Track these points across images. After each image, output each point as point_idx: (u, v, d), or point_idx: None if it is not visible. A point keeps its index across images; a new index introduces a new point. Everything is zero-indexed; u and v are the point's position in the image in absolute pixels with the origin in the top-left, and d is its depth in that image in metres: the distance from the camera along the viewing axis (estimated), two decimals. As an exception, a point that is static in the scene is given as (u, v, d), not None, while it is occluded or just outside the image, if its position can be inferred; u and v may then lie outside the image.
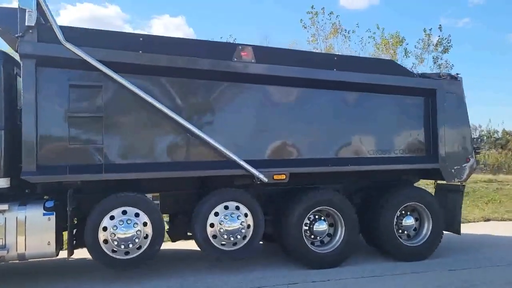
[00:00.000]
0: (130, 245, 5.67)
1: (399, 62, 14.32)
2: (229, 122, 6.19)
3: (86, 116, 5.58)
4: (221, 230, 6.06)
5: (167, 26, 59.37)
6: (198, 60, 5.96)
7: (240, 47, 6.17)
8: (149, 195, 6.25)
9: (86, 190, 5.90)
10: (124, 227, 5.65)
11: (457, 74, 7.24)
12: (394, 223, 6.88)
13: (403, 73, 7.03)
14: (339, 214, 6.57)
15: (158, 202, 6.33)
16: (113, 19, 57.09)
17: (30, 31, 5.31)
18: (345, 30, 20.90)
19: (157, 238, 5.85)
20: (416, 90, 7.06)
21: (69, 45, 5.40)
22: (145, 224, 5.76)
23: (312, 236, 6.59)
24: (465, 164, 7.18)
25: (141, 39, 5.82)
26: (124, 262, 5.70)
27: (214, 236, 6.09)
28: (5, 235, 5.38)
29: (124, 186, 5.86)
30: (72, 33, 5.56)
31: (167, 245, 7.20)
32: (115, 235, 5.61)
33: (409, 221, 7.06)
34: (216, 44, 6.90)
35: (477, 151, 7.36)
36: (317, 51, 19.30)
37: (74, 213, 5.71)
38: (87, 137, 5.60)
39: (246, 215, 6.24)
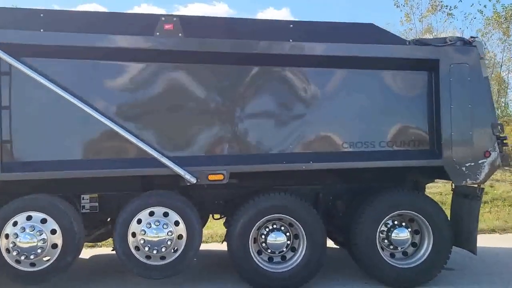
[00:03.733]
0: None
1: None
2: (150, 111, 5.19)
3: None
4: (144, 241, 5.11)
5: (273, 16, 59.77)
6: (107, 37, 5.03)
7: (163, 18, 5.10)
8: (87, 196, 5.56)
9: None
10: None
11: (473, 37, 5.46)
12: (377, 237, 5.39)
13: (389, 41, 5.44)
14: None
15: (97, 204, 5.61)
16: (221, 15, 58.87)
17: None
18: (446, 6, 18.58)
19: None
20: (409, 62, 5.44)
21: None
22: (176, 223, 5.17)
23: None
24: (482, 160, 5.41)
25: (41, 15, 5.03)
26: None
27: (137, 248, 5.16)
28: None
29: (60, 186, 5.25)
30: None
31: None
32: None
33: (403, 234, 5.50)
34: (135, 16, 5.87)
35: (504, 141, 5.51)
36: (412, 31, 17.49)
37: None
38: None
39: (177, 223, 5.22)
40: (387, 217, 5.42)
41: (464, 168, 5.38)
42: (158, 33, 5.09)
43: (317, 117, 5.38)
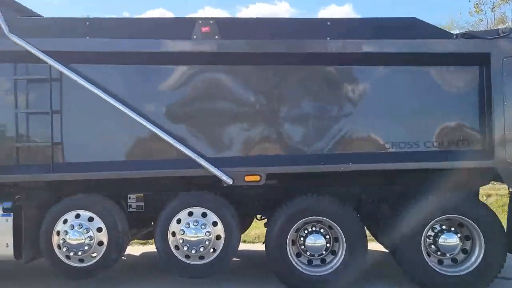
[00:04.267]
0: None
1: None
2: (189, 113, 5.29)
3: (32, 112, 5.29)
4: (183, 240, 5.22)
5: (335, 14, 59.47)
6: (148, 42, 5.19)
7: (200, 21, 5.19)
8: (133, 196, 5.80)
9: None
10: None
11: (529, 28, 5.05)
12: (423, 242, 5.15)
13: (434, 35, 5.14)
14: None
15: (142, 203, 5.83)
16: (282, 15, 59.55)
17: (-22, 27, 5.21)
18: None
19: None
20: (457, 56, 5.12)
21: (13, 37, 5.16)
22: (214, 223, 5.27)
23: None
24: (540, 161, 4.97)
25: (87, 23, 5.29)
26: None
27: (176, 247, 5.29)
28: (-37, 236, 5.42)
29: (106, 186, 5.46)
30: (20, 24, 5.30)
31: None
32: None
33: (451, 240, 5.20)
34: (172, 21, 5.97)
35: None
36: (483, 22, 16.40)
37: (31, 215, 5.49)
38: (34, 134, 5.32)
39: (215, 223, 5.29)
40: (434, 221, 5.14)
41: (520, 170, 4.98)
42: (195, 36, 5.18)
43: (357, 116, 5.23)
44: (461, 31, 5.34)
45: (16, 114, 5.28)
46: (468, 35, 5.17)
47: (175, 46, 5.18)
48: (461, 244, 5.24)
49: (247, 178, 5.17)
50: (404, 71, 5.22)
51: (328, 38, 5.18)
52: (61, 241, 5.30)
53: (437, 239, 5.23)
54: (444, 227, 5.26)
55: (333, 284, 5.19)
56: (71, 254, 5.29)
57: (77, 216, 5.37)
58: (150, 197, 5.79)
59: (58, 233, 5.34)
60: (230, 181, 5.11)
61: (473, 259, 5.19)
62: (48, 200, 5.50)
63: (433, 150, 5.19)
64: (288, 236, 5.24)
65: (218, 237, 5.29)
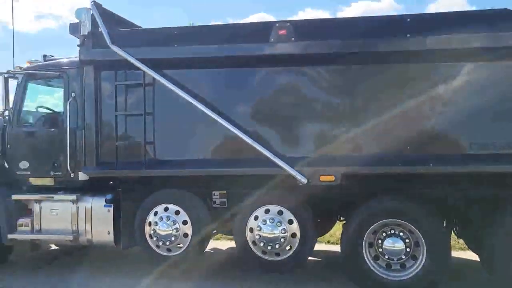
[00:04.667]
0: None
1: None
2: (268, 114, 5.49)
3: (129, 114, 5.89)
4: (259, 236, 5.44)
5: (446, 7, 56.75)
6: (230, 47, 5.49)
7: (277, 24, 5.36)
8: (217, 192, 6.18)
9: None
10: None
11: None
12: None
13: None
14: None
15: (225, 200, 6.18)
16: (387, 11, 58.31)
17: (85, 39, 5.96)
18: None
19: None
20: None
21: (114, 48, 5.80)
22: (290, 221, 5.48)
23: None
24: None
25: (175, 32, 5.76)
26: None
27: (254, 243, 5.52)
28: (77, 221, 6.22)
29: (192, 182, 5.89)
30: (119, 36, 5.94)
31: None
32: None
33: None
34: (250, 26, 6.12)
35: None
36: None
37: (128, 206, 6.10)
38: (130, 134, 5.92)
39: (290, 222, 5.41)
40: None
41: None
42: (272, 39, 5.36)
43: (440, 116, 5.00)
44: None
45: (116, 116, 5.93)
46: None
47: (254, 49, 5.40)
48: None
49: (322, 178, 5.21)
50: (492, 67, 4.85)
51: (408, 36, 5.01)
52: (152, 231, 5.84)
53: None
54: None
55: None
56: (160, 243, 5.80)
57: (166, 209, 5.87)
58: (232, 194, 6.09)
59: (149, 223, 5.89)
60: (305, 181, 5.20)
61: None
62: (141, 193, 6.08)
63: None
64: (364, 238, 5.17)
65: (293, 235, 5.41)
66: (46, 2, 65.36)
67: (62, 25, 66.10)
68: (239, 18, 68.85)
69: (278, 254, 5.46)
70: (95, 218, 6.15)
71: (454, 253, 6.56)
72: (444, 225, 5.43)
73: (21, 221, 6.39)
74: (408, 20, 5.07)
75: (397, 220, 5.11)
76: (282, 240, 5.39)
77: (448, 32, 4.91)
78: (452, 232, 5.87)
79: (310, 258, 6.72)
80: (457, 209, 5.41)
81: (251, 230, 5.53)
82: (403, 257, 5.18)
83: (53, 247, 7.91)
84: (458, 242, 6.81)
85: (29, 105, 6.82)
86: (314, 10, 60.36)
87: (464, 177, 5.08)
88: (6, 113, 6.49)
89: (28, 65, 6.83)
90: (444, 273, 5.00)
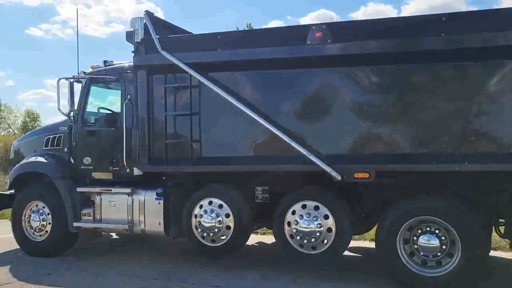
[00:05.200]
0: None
1: None
2: (305, 113, 5.75)
3: (177, 114, 6.37)
4: (296, 230, 5.71)
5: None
6: (270, 50, 5.77)
7: (313, 27, 5.58)
8: (259, 188, 6.52)
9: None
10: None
11: None
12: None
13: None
14: None
15: (267, 195, 6.52)
16: (457, 8, 56.23)
17: (139, 46, 6.52)
18: None
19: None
20: None
21: (164, 53, 6.30)
22: (326, 216, 5.68)
23: None
24: None
25: (218, 37, 6.15)
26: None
27: (291, 236, 5.80)
28: (132, 212, 6.83)
29: (236, 178, 6.27)
30: (169, 42, 6.43)
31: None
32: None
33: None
34: (287, 29, 6.31)
35: None
36: None
37: (176, 200, 6.60)
38: (178, 133, 6.40)
39: (326, 217, 5.64)
40: None
41: None
42: (309, 42, 5.59)
43: (476, 114, 5.00)
44: None
45: (165, 116, 6.43)
46: None
47: (287, 52, 5.66)
48: None
49: (357, 175, 5.37)
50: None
51: (443, 34, 5.04)
52: (197, 223, 6.30)
53: None
54: None
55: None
56: (205, 234, 6.24)
57: (210, 202, 6.30)
58: (274, 190, 6.39)
59: (195, 216, 6.35)
60: (339, 177, 5.39)
61: None
62: (188, 188, 6.55)
63: None
64: (399, 234, 5.27)
65: (329, 230, 5.63)
66: (114, 8, 69.27)
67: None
68: (299, 16, 68.93)
69: (314, 248, 5.70)
70: (148, 210, 6.72)
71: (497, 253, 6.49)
72: (485, 224, 5.38)
73: (84, 211, 7.11)
74: (443, 19, 5.10)
75: (430, 217, 5.16)
76: (318, 234, 5.62)
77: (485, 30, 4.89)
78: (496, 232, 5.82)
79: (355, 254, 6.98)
80: (497, 208, 5.36)
81: (289, 224, 5.82)
82: (439, 254, 5.21)
83: (114, 236, 8.70)
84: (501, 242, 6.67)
85: (91, 106, 7.55)
86: (376, 5, 58.97)
87: (501, 175, 5.04)
88: (72, 114, 7.21)
89: (91, 70, 7.56)
90: (480, 271, 4.98)
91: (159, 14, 71.74)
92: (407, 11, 56.80)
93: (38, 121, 50.87)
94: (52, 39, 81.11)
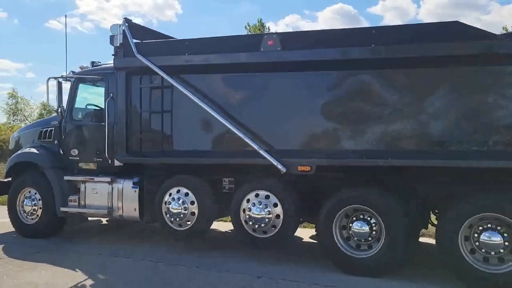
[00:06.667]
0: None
1: None
2: (258, 113, 6.49)
3: (151, 112, 7.19)
4: (249, 216, 6.49)
5: None
6: (229, 55, 6.55)
7: (265, 36, 6.33)
8: (226, 179, 7.31)
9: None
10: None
11: None
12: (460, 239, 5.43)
13: (477, 37, 5.25)
14: None
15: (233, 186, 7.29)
16: None
17: (118, 50, 7.34)
18: None
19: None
20: (501, 56, 5.15)
21: (139, 56, 7.11)
22: (275, 205, 6.40)
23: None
24: None
25: (186, 43, 6.94)
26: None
27: (246, 222, 6.58)
28: (112, 199, 7.68)
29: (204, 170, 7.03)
30: (144, 46, 7.25)
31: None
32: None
33: (496, 239, 5.30)
34: (245, 37, 7.07)
35: None
36: None
37: (150, 188, 7.44)
38: (151, 128, 7.22)
39: (275, 205, 6.40)
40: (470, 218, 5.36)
41: None
42: (262, 49, 6.34)
43: (398, 116, 5.74)
44: None
45: (140, 113, 7.26)
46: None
47: (244, 58, 6.43)
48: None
49: (300, 168, 6.13)
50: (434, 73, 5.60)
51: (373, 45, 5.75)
52: (166, 209, 7.12)
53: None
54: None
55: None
56: (172, 219, 7.06)
57: (178, 191, 7.11)
58: (238, 181, 7.14)
59: (165, 203, 7.17)
60: (284, 169, 6.15)
61: None
62: (160, 178, 7.38)
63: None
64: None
65: (277, 216, 6.40)
66: (132, 1, 70.52)
67: (148, 23, 70.84)
68: (316, 11, 69.19)
69: (265, 232, 6.47)
70: (125, 197, 7.57)
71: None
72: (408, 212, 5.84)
73: (71, 197, 7.98)
74: (373, 32, 5.81)
75: (362, 206, 5.91)
76: (267, 220, 6.39)
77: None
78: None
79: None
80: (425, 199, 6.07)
81: (244, 211, 6.60)
82: (370, 239, 5.93)
83: (104, 221, 9.62)
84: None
85: (79, 103, 8.41)
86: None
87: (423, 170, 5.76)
88: (60, 109, 8.08)
89: (80, 70, 8.42)
90: (399, 255, 5.71)
91: (176, 8, 72.49)
92: (426, 5, 56.44)
93: (54, 113, 51.98)
94: (71, 32, 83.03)
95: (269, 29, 34.03)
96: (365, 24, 57.11)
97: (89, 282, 5.87)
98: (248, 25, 35.07)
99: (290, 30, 53.89)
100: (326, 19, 57.97)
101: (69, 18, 73.33)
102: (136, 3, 70.21)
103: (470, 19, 54.96)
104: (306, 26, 58.42)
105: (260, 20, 35.38)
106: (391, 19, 58.00)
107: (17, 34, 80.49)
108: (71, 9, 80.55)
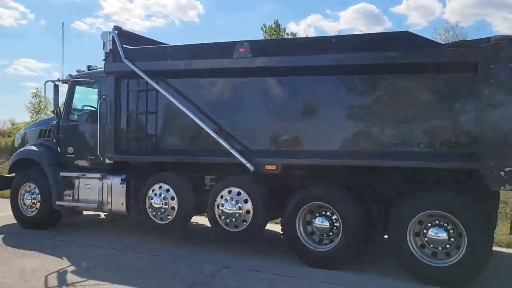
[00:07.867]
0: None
1: None
2: (232, 114, 7.03)
3: (137, 113, 7.80)
4: (222, 211, 7.02)
5: None
6: (205, 61, 7.09)
7: (238, 44, 6.85)
8: (208, 177, 7.87)
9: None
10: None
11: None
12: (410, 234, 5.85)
13: (424, 46, 5.66)
14: None
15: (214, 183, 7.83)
16: None
17: (108, 55, 7.96)
18: None
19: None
20: (445, 65, 5.56)
21: (126, 61, 7.71)
22: (246, 201, 6.92)
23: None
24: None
25: (168, 49, 7.51)
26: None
27: (219, 216, 7.11)
28: (102, 194, 8.32)
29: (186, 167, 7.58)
30: (131, 52, 7.85)
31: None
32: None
33: (442, 235, 5.71)
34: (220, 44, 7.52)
35: None
36: None
37: (135, 184, 8.04)
38: (137, 128, 7.82)
39: (246, 201, 6.91)
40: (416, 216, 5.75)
41: (502, 173, 5.19)
42: (235, 56, 6.86)
43: (355, 119, 6.20)
44: None
45: (128, 114, 7.87)
46: (459, 45, 5.57)
47: (219, 63, 6.96)
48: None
49: (267, 167, 6.63)
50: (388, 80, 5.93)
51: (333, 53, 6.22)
52: (149, 204, 7.71)
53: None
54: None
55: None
56: (154, 213, 7.64)
57: (160, 187, 7.69)
58: (219, 178, 7.66)
59: (149, 198, 7.76)
60: (252, 168, 6.65)
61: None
62: (145, 175, 7.97)
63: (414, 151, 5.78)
64: (298, 217, 6.49)
65: (247, 212, 6.91)
66: (154, 1, 71.79)
67: (170, 23, 72.09)
68: (339, 10, 69.06)
69: (236, 226, 6.99)
70: (114, 192, 8.19)
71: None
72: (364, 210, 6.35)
73: (66, 192, 8.65)
74: (333, 40, 6.27)
75: (320, 203, 6.41)
76: (238, 215, 6.91)
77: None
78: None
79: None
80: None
81: (218, 206, 7.13)
82: (331, 234, 6.40)
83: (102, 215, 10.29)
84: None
85: (76, 104, 9.09)
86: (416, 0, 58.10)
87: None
88: (56, 110, 8.78)
89: (76, 73, 9.09)
90: (356, 250, 6.16)
91: (198, 8, 73.32)
92: (451, 4, 55.46)
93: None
94: (96, 33, 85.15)
95: (285, 30, 34.38)
96: (388, 24, 56.50)
97: (71, 268, 6.49)
98: (264, 26, 35.52)
99: (312, 30, 54.42)
100: (347, 20, 57.73)
101: (94, 19, 75.27)
102: (159, 3, 71.39)
103: (496, 18, 53.97)
104: (327, 26, 58.29)
105: (276, 21, 35.81)
106: (415, 19, 57.30)
107: (43, 34, 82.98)
108: (96, 10, 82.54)
